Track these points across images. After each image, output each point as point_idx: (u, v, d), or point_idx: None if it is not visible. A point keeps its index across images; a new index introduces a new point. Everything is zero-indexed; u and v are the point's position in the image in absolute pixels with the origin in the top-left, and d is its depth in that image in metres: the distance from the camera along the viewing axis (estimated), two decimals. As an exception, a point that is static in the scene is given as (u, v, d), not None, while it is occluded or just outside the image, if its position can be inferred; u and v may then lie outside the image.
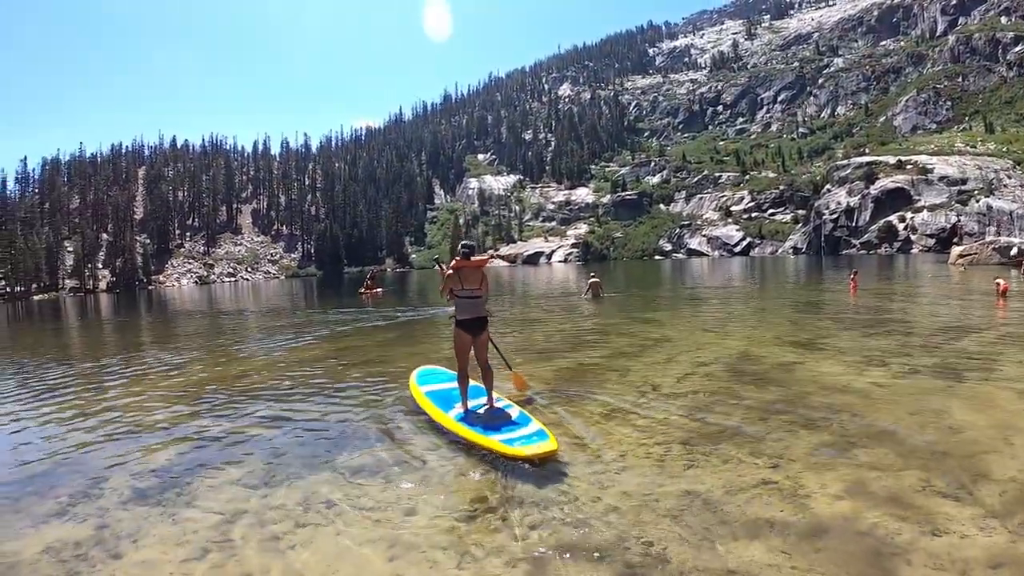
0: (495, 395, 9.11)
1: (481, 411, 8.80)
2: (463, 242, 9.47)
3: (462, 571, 4.92)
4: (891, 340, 14.96)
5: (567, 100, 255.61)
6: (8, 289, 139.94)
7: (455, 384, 9.37)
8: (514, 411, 8.64)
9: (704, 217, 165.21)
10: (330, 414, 9.96)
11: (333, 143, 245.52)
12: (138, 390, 13.48)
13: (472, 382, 9.17)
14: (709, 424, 8.23)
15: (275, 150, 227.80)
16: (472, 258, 8.97)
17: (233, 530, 5.84)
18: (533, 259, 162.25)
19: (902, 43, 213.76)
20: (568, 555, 5.03)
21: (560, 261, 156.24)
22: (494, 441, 7.65)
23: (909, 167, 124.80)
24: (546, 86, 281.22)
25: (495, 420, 8.38)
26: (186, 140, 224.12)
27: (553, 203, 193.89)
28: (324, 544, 5.48)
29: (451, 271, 8.81)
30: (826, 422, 8.11)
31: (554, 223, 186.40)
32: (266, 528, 5.86)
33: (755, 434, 7.73)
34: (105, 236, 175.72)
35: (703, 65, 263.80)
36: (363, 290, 44.85)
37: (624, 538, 5.25)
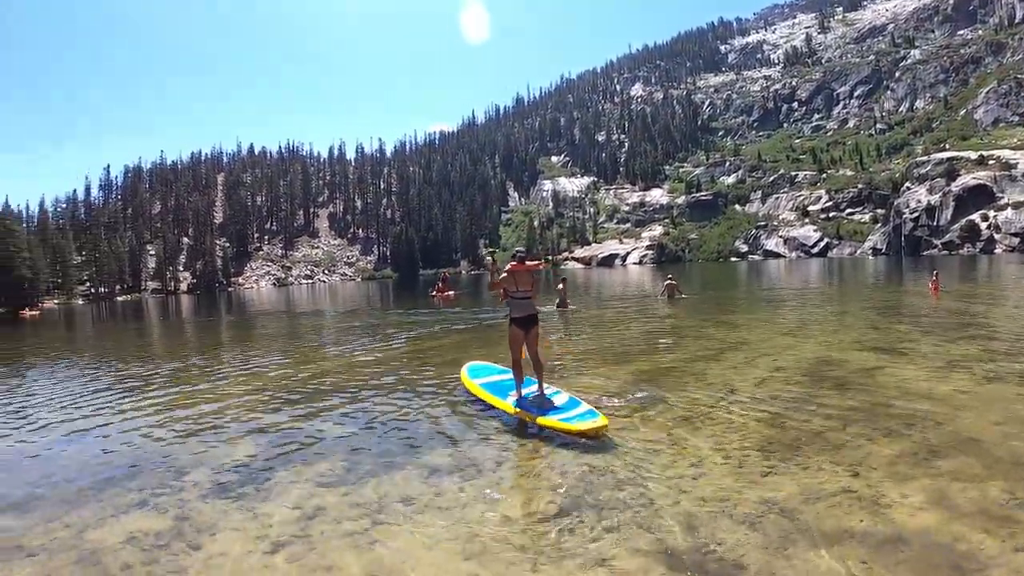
0: (544, 384, 9.81)
1: (533, 397, 9.57)
2: (516, 248, 10.98)
3: (537, 573, 4.95)
4: (974, 345, 14.46)
5: (639, 100, 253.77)
6: (93, 290, 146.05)
7: (504, 376, 10.98)
8: (563, 396, 9.48)
9: (781, 217, 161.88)
10: (406, 413, 10.14)
11: (407, 147, 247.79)
12: (218, 388, 13.92)
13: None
14: (788, 430, 8.12)
15: (350, 155, 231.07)
16: (525, 263, 9.92)
17: (311, 526, 5.98)
18: (608, 261, 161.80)
19: (980, 32, 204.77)
20: (643, 560, 5.02)
21: (635, 263, 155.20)
22: (551, 420, 8.59)
23: (991, 163, 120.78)
24: (618, 87, 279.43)
25: (547, 404, 9.22)
26: (263, 147, 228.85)
27: (627, 204, 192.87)
28: (401, 542, 5.56)
29: (505, 274, 9.76)
30: (908, 430, 7.92)
31: (628, 225, 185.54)
32: (344, 524, 5.96)
33: (835, 441, 7.59)
34: (186, 240, 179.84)
35: (776, 61, 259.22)
36: (435, 292, 44.86)
37: (701, 544, 5.22)
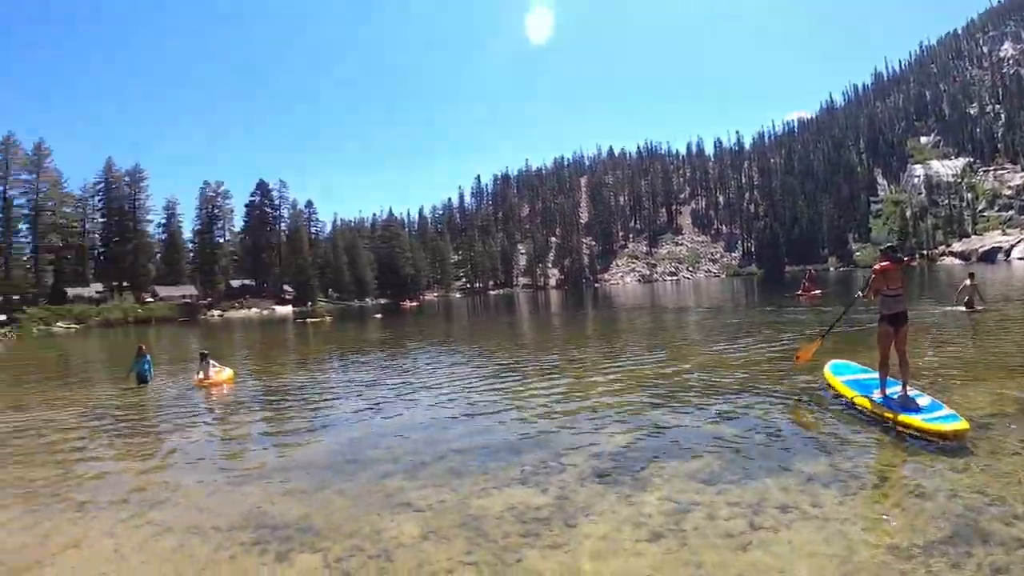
0: (909, 385, 9.45)
1: (896, 397, 9.28)
2: (887, 244, 10.52)
3: None
4: None
5: (1012, 61, 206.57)
6: (469, 285, 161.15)
7: (865, 375, 10.76)
8: (926, 399, 9.10)
9: None
10: (777, 415, 9.85)
11: (765, 139, 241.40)
12: (590, 378, 14.62)
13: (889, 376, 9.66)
14: None
15: (708, 150, 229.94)
16: (895, 260, 9.77)
17: (685, 520, 5.94)
18: (989, 255, 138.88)
19: None
20: None
21: (1019, 258, 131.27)
22: (911, 419, 8.36)
23: None
24: (984, 48, 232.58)
25: (910, 404, 8.91)
26: (623, 148, 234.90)
27: (1009, 188, 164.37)
28: (777, 549, 5.31)
29: (875, 274, 9.63)
30: None
31: (1012, 212, 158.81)
32: (718, 523, 5.85)
33: None
34: (553, 239, 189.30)
35: None
36: (799, 292, 42.23)
37: None
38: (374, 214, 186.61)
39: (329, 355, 25.97)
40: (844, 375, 11.07)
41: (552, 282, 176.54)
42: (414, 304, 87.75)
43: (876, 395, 9.57)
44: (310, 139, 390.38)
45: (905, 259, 10.50)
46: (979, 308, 23.79)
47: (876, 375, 9.90)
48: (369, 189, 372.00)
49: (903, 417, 8.54)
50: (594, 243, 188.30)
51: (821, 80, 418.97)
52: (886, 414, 8.92)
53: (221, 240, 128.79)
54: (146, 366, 18.36)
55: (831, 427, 9.06)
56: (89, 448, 10.88)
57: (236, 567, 5.51)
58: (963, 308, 23.89)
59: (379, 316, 59.66)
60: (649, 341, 23.41)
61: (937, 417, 8.25)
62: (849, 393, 10.21)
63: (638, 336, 26.31)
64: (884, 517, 6.01)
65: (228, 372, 17.96)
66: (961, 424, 7.88)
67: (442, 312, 68.78)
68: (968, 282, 24.81)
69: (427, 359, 21.73)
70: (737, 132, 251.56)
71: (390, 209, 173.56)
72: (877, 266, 9.75)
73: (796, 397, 10.92)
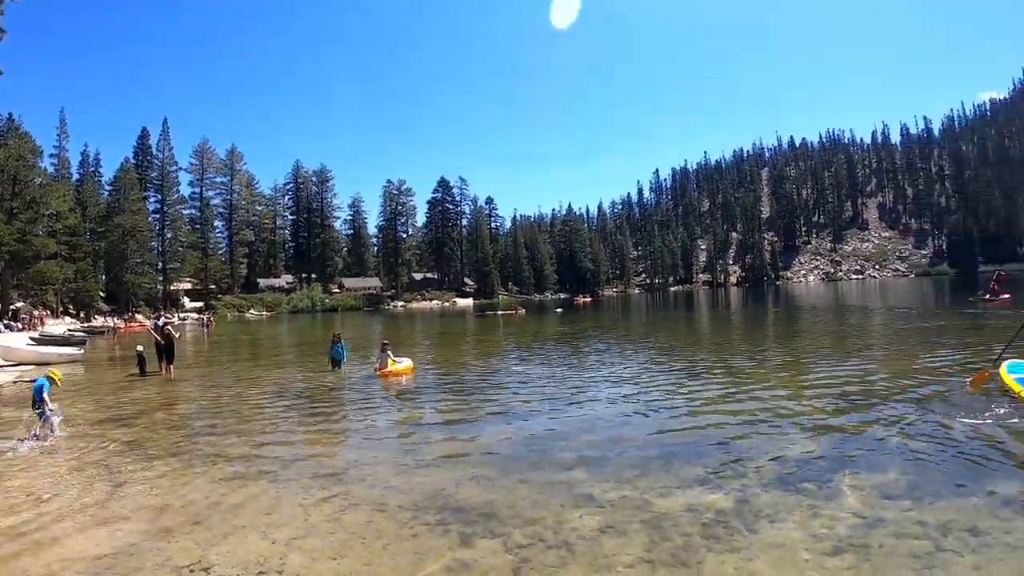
0: None
1: None
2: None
3: None
4: None
5: None
6: (648, 281, 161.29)
7: None
8: None
9: None
10: (971, 430, 9.23)
11: (956, 123, 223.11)
12: (770, 380, 14.52)
13: None
14: None
15: (895, 138, 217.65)
16: None
17: (870, 536, 5.70)
18: None
19: None
20: None
21: None
22: None
23: None
24: None
25: None
26: (804, 138, 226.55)
27: None
28: (961, 573, 5.01)
29: None
30: None
31: None
32: (903, 542, 5.58)
33: None
34: (734, 234, 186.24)
35: None
36: (987, 295, 38.78)
37: None
38: (553, 209, 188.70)
39: (510, 347, 26.78)
40: (1018, 373, 10.83)
41: (733, 279, 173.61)
42: (587, 300, 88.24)
43: None
44: (482, 136, 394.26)
45: None
46: None
47: None
48: (545, 186, 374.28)
49: None
50: (776, 239, 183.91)
51: (1013, 55, 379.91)
52: None
53: (404, 235, 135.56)
54: (340, 350, 19.57)
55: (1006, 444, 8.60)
56: (281, 425, 11.82)
57: (419, 545, 5.81)
58: None
59: (559, 310, 60.64)
60: (833, 344, 22.92)
61: None
62: (1018, 388, 10.22)
63: (822, 338, 25.86)
64: None
65: (407, 363, 18.66)
66: None
67: (620, 308, 69.09)
68: None
69: (606, 355, 22.13)
70: (925, 118, 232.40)
71: (569, 204, 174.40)
72: None
73: (990, 411, 10.21)
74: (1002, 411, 9.98)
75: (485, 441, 9.80)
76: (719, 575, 5.10)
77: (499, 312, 58.59)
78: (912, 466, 7.71)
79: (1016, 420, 9.57)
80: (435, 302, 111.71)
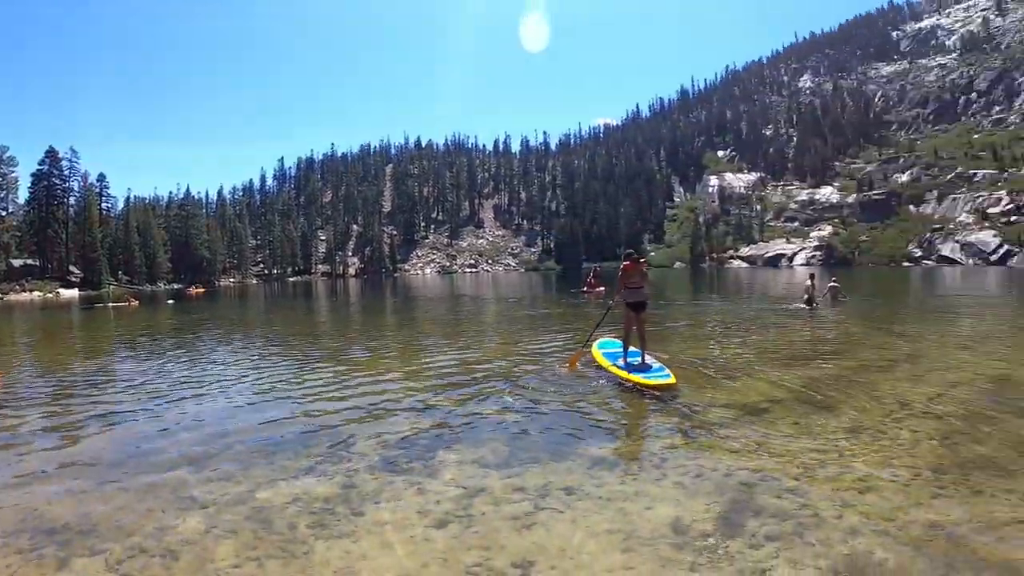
0: (648, 356, 12.47)
1: (635, 363, 12.19)
2: (627, 250, 13.85)
3: (694, 573, 4.92)
4: None
5: (808, 92, 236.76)
6: (267, 271, 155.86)
7: (615, 348, 13.44)
8: (655, 364, 12.17)
9: (957, 220, 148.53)
10: (573, 403, 10.40)
11: (572, 141, 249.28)
12: (382, 366, 14.93)
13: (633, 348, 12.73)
14: (960, 451, 7.64)
15: (515, 148, 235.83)
16: (634, 261, 12.75)
17: (473, 505, 6.19)
18: (774, 261, 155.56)
19: None
20: (801, 572, 4.89)
21: (802, 264, 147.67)
22: (637, 378, 11.34)
23: None
24: (785, 78, 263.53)
25: (641, 368, 11.87)
26: (430, 139, 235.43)
27: (795, 202, 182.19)
28: (561, 529, 5.66)
29: (621, 272, 12.63)
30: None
31: (796, 224, 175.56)
32: (504, 507, 6.15)
33: (1010, 468, 7.03)
34: (355, 227, 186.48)
35: (952, 48, 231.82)
36: (585, 288, 42.29)
37: (862, 562, 5.03)
38: (171, 192, 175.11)
39: (117, 344, 24.53)
40: (605, 349, 13.98)
41: (352, 271, 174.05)
42: (200, 291, 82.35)
43: (620, 362, 12.43)
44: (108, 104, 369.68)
45: (642, 260, 13.39)
46: (817, 305, 27.41)
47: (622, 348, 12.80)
48: (168, 164, 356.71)
49: (633, 376, 11.48)
50: (396, 232, 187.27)
51: (630, 91, 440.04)
52: (622, 375, 11.81)
53: (3, 213, 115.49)
54: None
55: (615, 414, 10.00)
56: None
57: (12, 577, 5.21)
58: (803, 305, 27.47)
59: (171, 301, 56.74)
60: (442, 330, 24.19)
61: (655, 375, 11.32)
62: (605, 363, 12.96)
63: (432, 325, 27.10)
64: (663, 495, 6.44)
65: None
66: (670, 380, 11.01)
67: (237, 299, 66.97)
68: (808, 282, 28.52)
69: (222, 347, 21.23)
70: (545, 132, 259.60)
71: (187, 188, 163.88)
72: (622, 266, 12.66)
73: (584, 386, 11.88)
74: (593, 385, 11.83)
75: (85, 449, 8.92)
76: (328, 561, 5.21)
77: (110, 305, 53.46)
78: (511, 438, 8.53)
79: (604, 392, 11.22)
80: (36, 293, 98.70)
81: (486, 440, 8.39)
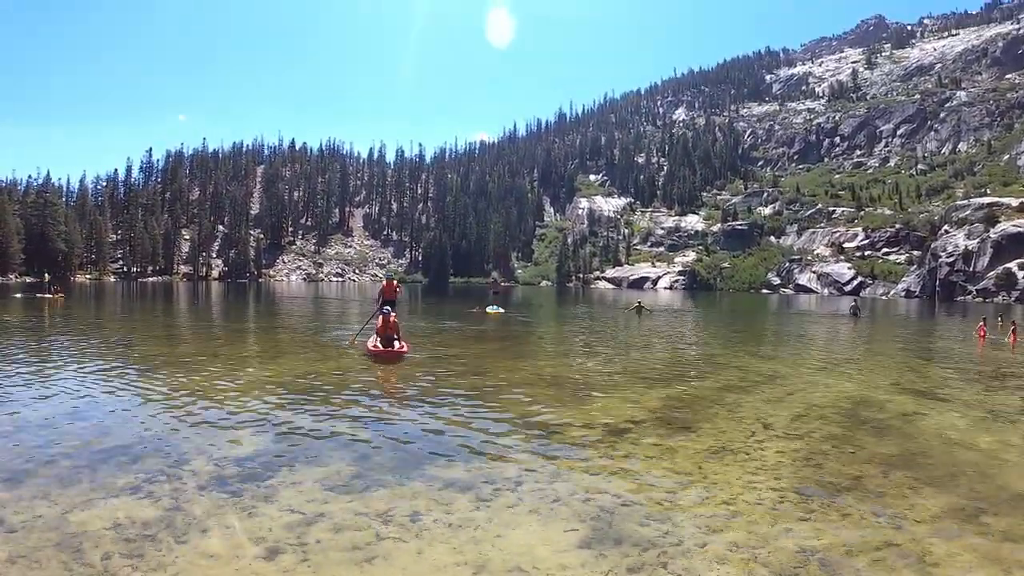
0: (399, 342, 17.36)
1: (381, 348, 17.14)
2: (387, 272, 17.34)
3: None
4: (1019, 396, 13.98)
5: (681, 125, 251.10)
6: (125, 269, 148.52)
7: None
8: (402, 347, 17.32)
9: (815, 252, 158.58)
10: (425, 422, 9.93)
11: (447, 154, 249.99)
12: (231, 377, 13.86)
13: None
14: (825, 473, 7.65)
15: (390, 158, 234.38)
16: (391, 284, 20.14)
17: (309, 533, 5.65)
18: (638, 283, 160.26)
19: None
20: None
21: (666, 288, 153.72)
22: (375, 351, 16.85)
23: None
24: (661, 109, 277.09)
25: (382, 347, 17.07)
26: (304, 143, 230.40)
27: (662, 228, 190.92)
28: (404, 560, 5.17)
29: (382, 288, 19.84)
30: (953, 481, 7.44)
31: (662, 248, 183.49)
32: (344, 535, 5.62)
33: (875, 489, 7.10)
34: (221, 228, 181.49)
35: (821, 94, 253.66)
36: (479, 308, 40.92)
37: None
38: (30, 176, 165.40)
39: None
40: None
41: (215, 273, 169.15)
42: (59, 295, 75.39)
43: (370, 343, 17.51)
44: None
45: (395, 282, 20.52)
46: (648, 310, 31.61)
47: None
48: (29, 145, 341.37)
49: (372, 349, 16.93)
50: (263, 236, 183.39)
51: (509, 110, 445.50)
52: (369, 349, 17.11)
53: None
54: None
55: (472, 433, 9.35)
56: None
57: None
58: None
59: (19, 296, 53.24)
60: (300, 340, 23.37)
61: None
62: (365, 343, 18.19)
63: (291, 334, 26.05)
64: (518, 521, 6.06)
65: None
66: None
67: (93, 299, 61.38)
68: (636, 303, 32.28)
69: (64, 350, 19.26)
70: (420, 144, 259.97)
71: (48, 173, 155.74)
72: (381, 285, 20.18)
73: (442, 402, 11.24)
74: (445, 404, 11.21)
75: None
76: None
77: None
78: (356, 458, 7.95)
79: (459, 407, 10.93)
80: None
81: (329, 459, 7.83)
